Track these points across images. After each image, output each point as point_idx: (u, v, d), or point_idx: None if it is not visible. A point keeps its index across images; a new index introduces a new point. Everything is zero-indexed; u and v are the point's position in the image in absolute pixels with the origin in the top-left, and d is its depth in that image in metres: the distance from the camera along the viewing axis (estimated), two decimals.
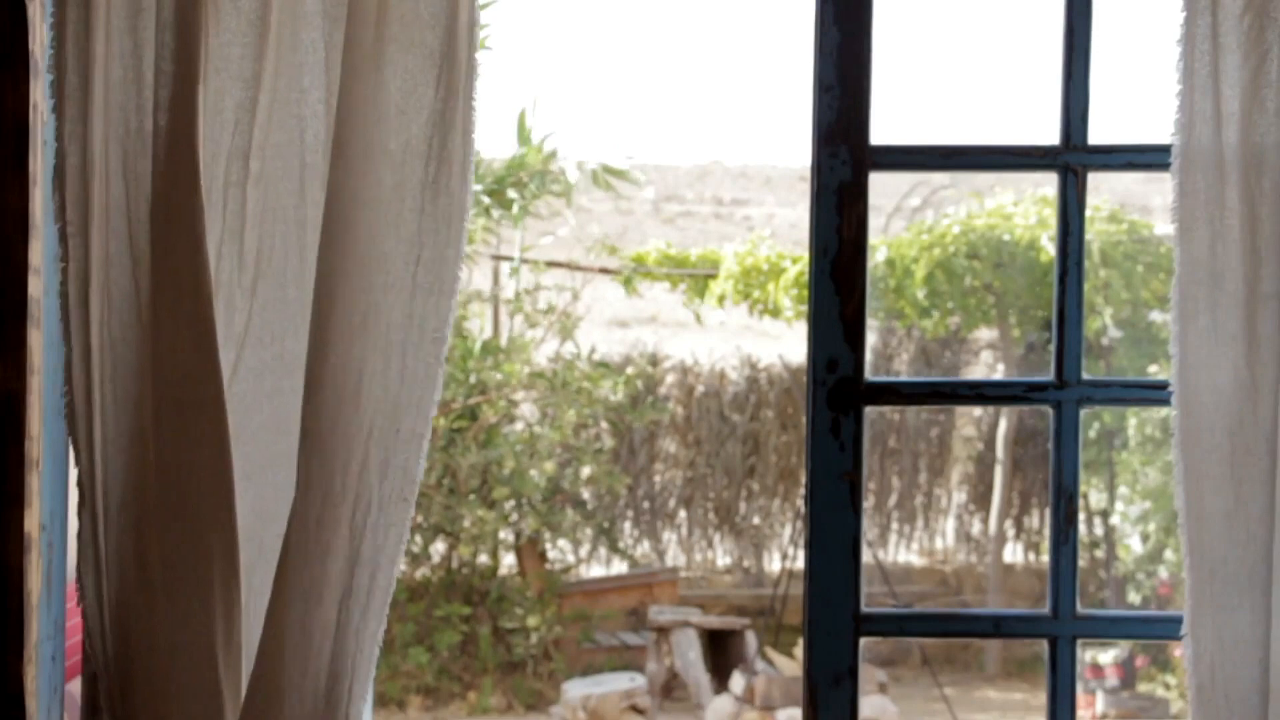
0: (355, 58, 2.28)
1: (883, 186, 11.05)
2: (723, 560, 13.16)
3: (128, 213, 2.30)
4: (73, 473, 2.57)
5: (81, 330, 2.31)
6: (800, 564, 11.08)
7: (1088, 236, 10.42)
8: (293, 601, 2.28)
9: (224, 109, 2.31)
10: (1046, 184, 11.84)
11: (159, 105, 2.30)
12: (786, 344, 13.79)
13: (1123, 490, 11.33)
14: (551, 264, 12.28)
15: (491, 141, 11.49)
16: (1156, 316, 11.19)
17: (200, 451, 2.25)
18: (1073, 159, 2.50)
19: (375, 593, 2.31)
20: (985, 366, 13.33)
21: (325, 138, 2.35)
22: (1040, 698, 10.86)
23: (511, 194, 11.04)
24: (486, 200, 10.91)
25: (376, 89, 2.28)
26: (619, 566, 12.55)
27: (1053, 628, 2.53)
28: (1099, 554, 11.90)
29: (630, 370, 11.84)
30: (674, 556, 13.02)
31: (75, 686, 2.62)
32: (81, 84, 2.30)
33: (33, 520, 2.46)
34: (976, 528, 13.21)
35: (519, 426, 11.28)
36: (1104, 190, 13.76)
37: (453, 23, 2.29)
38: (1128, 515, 11.32)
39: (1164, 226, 11.31)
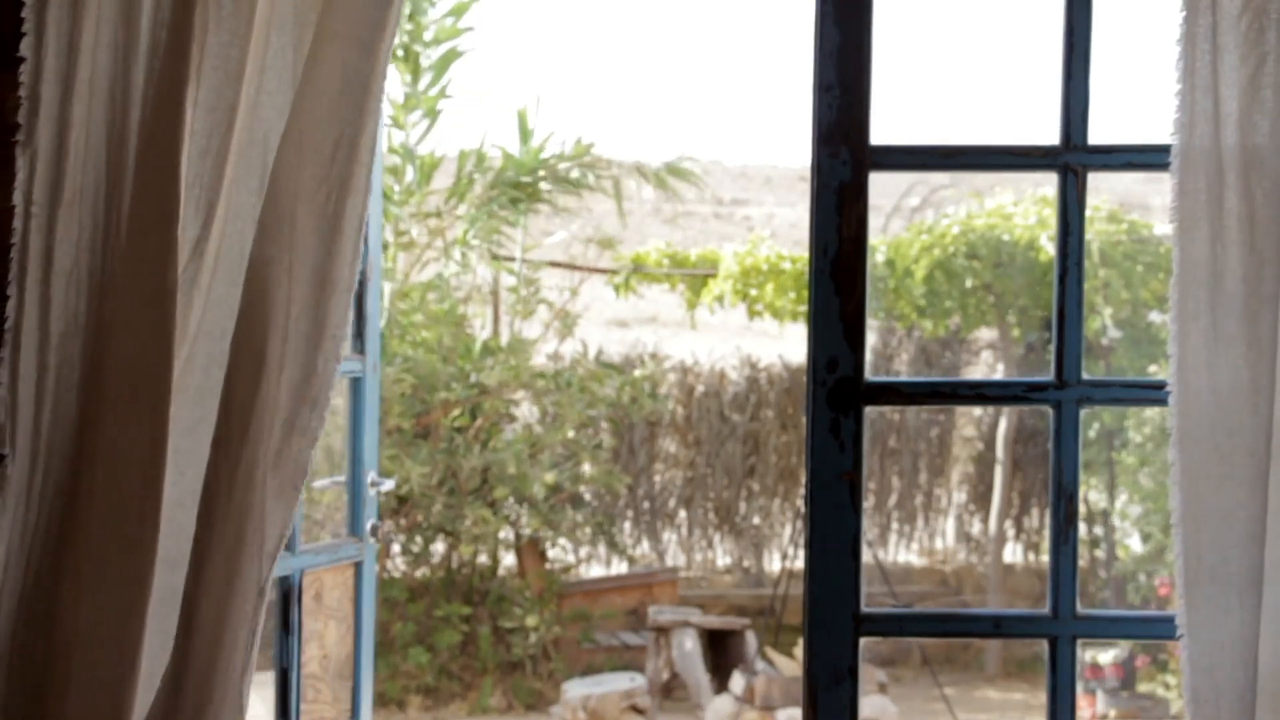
0: (314, 55, 2.30)
1: (882, 186, 11.04)
2: (723, 560, 13.16)
3: (106, 200, 2.29)
4: None
5: (40, 310, 2.28)
6: (800, 564, 11.08)
7: (1087, 236, 10.40)
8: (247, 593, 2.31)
9: (218, 108, 2.30)
10: (1046, 184, 11.83)
11: (147, 100, 2.29)
12: (786, 344, 13.78)
13: (1123, 490, 11.33)
14: (553, 264, 12.28)
15: (493, 140, 11.46)
16: (1156, 316, 11.18)
17: (140, 441, 2.24)
18: (1073, 159, 2.50)
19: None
20: (985, 366, 13.33)
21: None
22: (1040, 698, 10.86)
23: (546, 186, 11.02)
24: (513, 192, 10.91)
25: (318, 85, 2.30)
26: (619, 566, 12.54)
27: (1053, 628, 2.53)
28: (1099, 554, 11.89)
29: (638, 373, 11.83)
30: (674, 556, 13.02)
31: None
32: (62, 70, 2.28)
33: None
34: (976, 528, 13.20)
35: (519, 426, 11.27)
36: (1104, 190, 13.76)
37: (382, 20, 2.32)
38: (1128, 515, 11.32)
39: (1164, 226, 11.31)
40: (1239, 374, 2.31)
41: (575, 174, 11.15)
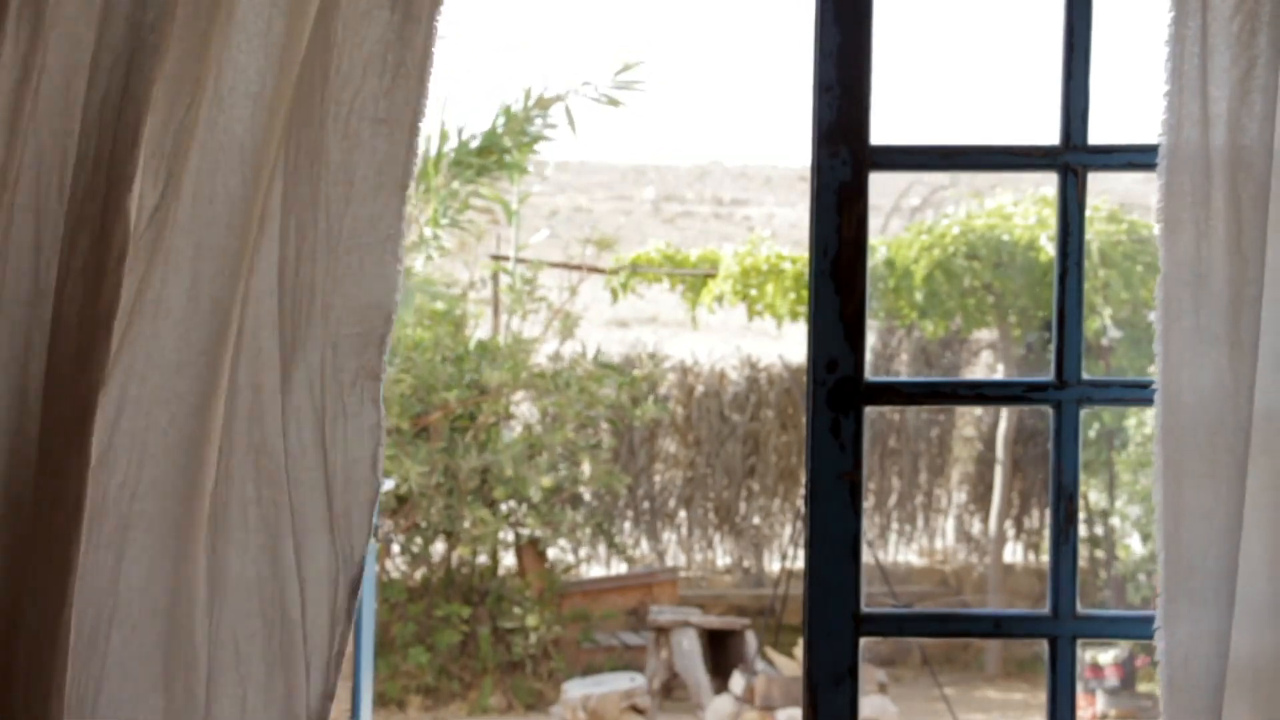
0: None
1: (882, 186, 11.05)
2: (723, 560, 13.16)
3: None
4: None
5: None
6: (800, 564, 11.08)
7: (1088, 236, 10.40)
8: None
9: (183, 78, 2.34)
10: (1046, 184, 11.83)
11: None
12: (786, 344, 13.79)
13: (1123, 490, 11.34)
14: (552, 264, 12.28)
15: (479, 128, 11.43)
16: None
17: (74, 399, 2.27)
18: (1073, 159, 2.50)
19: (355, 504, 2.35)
20: (985, 366, 13.34)
21: (259, 88, 2.38)
22: (1040, 698, 10.87)
23: (507, 142, 10.98)
24: (478, 162, 10.86)
25: (331, 15, 2.34)
26: (619, 567, 12.55)
27: (1053, 628, 2.53)
28: (1099, 554, 11.90)
29: (637, 372, 11.85)
30: (674, 556, 13.02)
31: None
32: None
33: None
34: (976, 528, 13.21)
35: (519, 426, 11.28)
36: (1104, 190, 13.77)
37: None
38: (1128, 515, 11.32)
39: None
40: (1222, 374, 2.33)
41: (534, 129, 11.09)
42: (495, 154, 10.97)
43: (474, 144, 10.95)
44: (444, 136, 11.02)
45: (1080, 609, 2.52)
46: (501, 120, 10.97)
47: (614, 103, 11.17)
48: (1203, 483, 2.33)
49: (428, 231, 10.78)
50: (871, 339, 12.76)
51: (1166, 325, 2.34)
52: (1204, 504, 2.33)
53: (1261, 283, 2.32)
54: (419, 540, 10.83)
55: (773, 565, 12.83)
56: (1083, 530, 11.80)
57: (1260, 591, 2.31)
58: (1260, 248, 2.32)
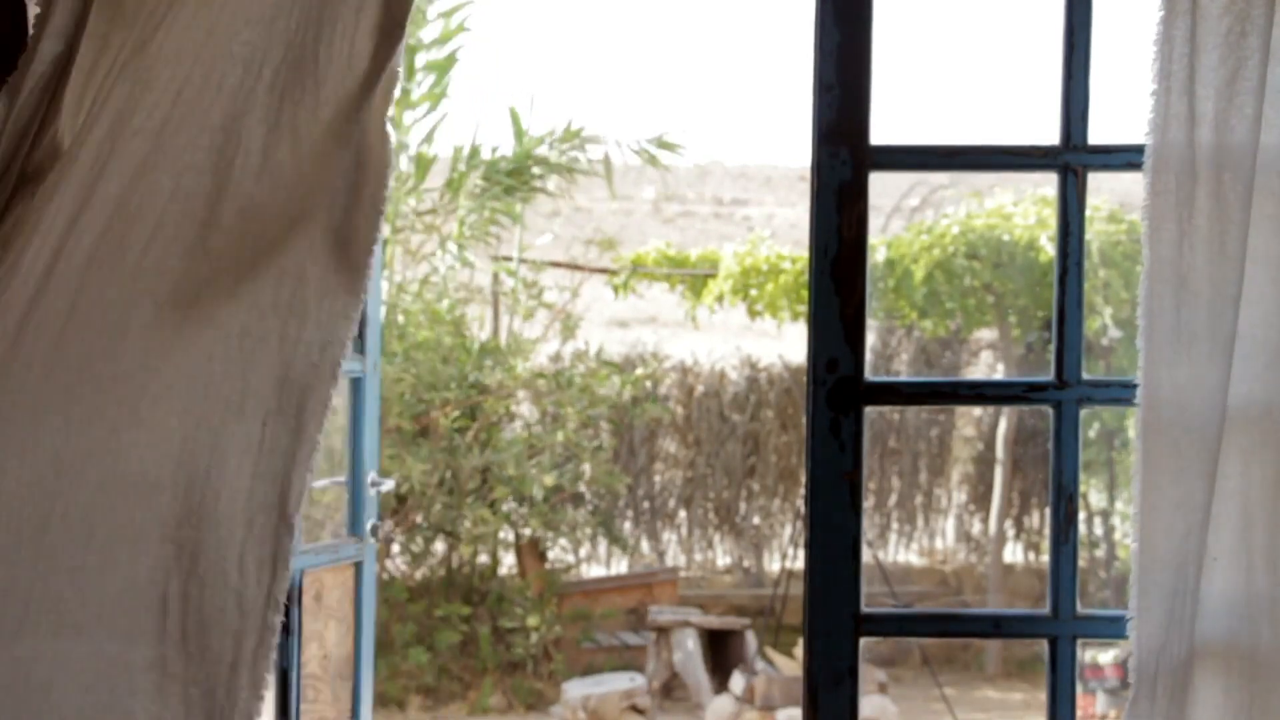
0: None
1: (882, 186, 11.03)
2: (723, 560, 13.16)
3: None
4: None
5: None
6: (800, 564, 11.08)
7: (1088, 236, 10.40)
8: (226, 415, 2.26)
9: None
10: (1046, 184, 11.82)
11: None
12: (786, 344, 13.78)
13: (1123, 490, 11.33)
14: (554, 264, 12.28)
15: (486, 136, 11.50)
16: None
17: None
18: (1073, 159, 2.51)
19: (305, 414, 2.29)
20: (985, 366, 13.33)
21: None
22: (1040, 698, 10.86)
23: (536, 170, 11.07)
24: (508, 181, 10.94)
25: None
26: (619, 566, 12.54)
27: (1053, 628, 2.53)
28: (1099, 554, 11.89)
29: (640, 371, 11.85)
30: (674, 556, 13.02)
31: None
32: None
33: None
34: (976, 528, 13.20)
35: (519, 426, 11.28)
36: (1104, 190, 13.76)
37: None
38: (1128, 515, 11.32)
39: None
40: (1202, 372, 2.34)
41: (565, 159, 11.19)
42: (525, 177, 11.09)
43: (503, 164, 11.06)
44: (474, 151, 11.10)
45: (1080, 609, 2.52)
46: (544, 146, 11.11)
47: (653, 160, 11.36)
48: (1179, 478, 2.35)
49: (451, 246, 10.86)
50: (871, 339, 12.76)
51: (1149, 323, 2.36)
52: (1178, 498, 2.35)
53: (1242, 282, 2.33)
54: (419, 540, 10.82)
55: (773, 565, 12.82)
56: (1083, 530, 11.80)
57: (1231, 583, 2.33)
58: (1244, 247, 2.33)
